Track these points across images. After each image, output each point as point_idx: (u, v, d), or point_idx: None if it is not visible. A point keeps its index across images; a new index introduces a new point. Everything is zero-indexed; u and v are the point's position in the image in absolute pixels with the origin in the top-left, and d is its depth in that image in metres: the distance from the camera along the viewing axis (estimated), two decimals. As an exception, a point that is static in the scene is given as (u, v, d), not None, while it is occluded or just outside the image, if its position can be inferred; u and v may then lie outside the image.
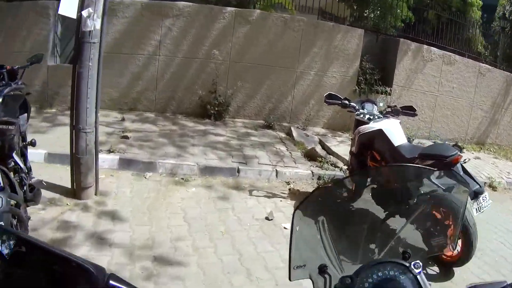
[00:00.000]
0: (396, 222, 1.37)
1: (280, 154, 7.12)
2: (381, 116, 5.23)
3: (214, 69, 8.52)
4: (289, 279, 1.23)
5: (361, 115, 5.28)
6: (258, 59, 8.80)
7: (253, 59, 8.79)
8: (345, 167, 6.42)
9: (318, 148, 7.61)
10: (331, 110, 9.02)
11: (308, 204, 1.24)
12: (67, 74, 8.30)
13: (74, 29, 9.24)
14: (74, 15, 4.73)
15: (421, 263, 1.05)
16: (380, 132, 4.89)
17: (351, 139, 5.68)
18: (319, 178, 6.48)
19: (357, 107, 5.40)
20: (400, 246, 1.25)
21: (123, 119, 7.97)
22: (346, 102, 5.40)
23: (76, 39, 4.85)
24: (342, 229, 1.35)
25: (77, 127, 4.89)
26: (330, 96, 5.46)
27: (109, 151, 6.33)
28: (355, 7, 10.99)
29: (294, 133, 8.22)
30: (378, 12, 10.63)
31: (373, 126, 5.01)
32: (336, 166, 6.89)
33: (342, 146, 7.92)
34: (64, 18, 8.75)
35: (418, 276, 1.02)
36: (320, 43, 9.00)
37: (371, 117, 5.18)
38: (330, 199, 1.40)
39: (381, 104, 5.66)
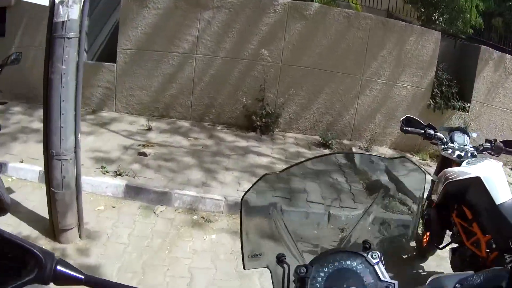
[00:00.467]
0: (355, 212, 1.30)
1: (336, 187, 5.51)
2: (476, 153, 3.74)
3: (262, 72, 7.09)
4: (244, 267, 1.17)
5: (450, 151, 3.79)
6: (316, 62, 7.28)
7: (310, 62, 7.27)
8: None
9: (384, 179, 5.93)
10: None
11: (256, 192, 1.17)
12: (93, 72, 7.28)
13: (105, 19, 8.34)
14: (45, 2, 3.39)
15: (379, 253, 0.99)
16: (477, 181, 3.22)
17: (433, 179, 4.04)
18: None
19: (444, 139, 3.86)
20: (360, 237, 1.17)
21: (149, 129, 6.67)
22: (431, 132, 3.81)
23: (47, 34, 3.49)
24: (298, 216, 1.33)
25: (49, 152, 3.55)
26: (408, 121, 3.90)
27: (116, 174, 5.02)
28: (422, 10, 9.31)
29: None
30: (447, 16, 8.82)
31: (467, 171, 3.35)
32: (406, 205, 5.20)
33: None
34: (92, 10, 7.70)
35: (375, 267, 0.98)
36: (390, 45, 7.35)
37: (463, 154, 3.72)
38: (282, 186, 1.30)
39: (474, 135, 4.15)
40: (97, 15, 7.68)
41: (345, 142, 7.44)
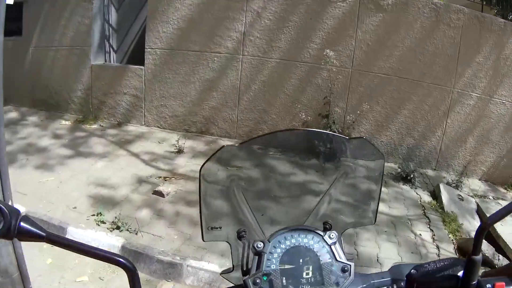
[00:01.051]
0: (317, 191, 1.25)
1: (417, 245, 4.01)
2: None
3: (327, 80, 5.53)
4: (202, 239, 1.11)
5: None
6: (396, 69, 5.61)
7: (388, 67, 5.61)
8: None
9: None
10: (495, 152, 5.82)
11: (216, 163, 1.13)
12: (117, 77, 6.09)
13: (135, 12, 7.10)
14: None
15: (336, 234, 1.01)
16: None
17: None
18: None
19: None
20: (322, 216, 1.14)
21: (179, 151, 5.31)
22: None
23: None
24: (260, 192, 1.27)
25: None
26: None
27: (114, 226, 3.70)
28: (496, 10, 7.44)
29: (444, 195, 4.93)
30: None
31: None
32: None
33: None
34: (120, 3, 6.48)
35: (332, 247, 0.99)
36: (487, 49, 5.54)
37: None
38: (243, 160, 1.24)
39: None
40: (126, 8, 6.42)
41: (429, 172, 5.75)
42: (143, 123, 6.17)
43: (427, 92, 5.61)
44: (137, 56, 6.16)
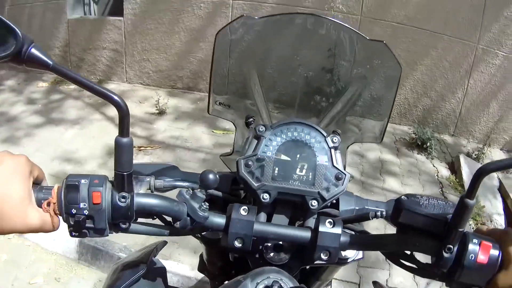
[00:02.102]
0: (332, 93, 1.24)
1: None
2: None
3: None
4: (208, 111, 1.16)
5: None
6: (413, 17, 4.79)
7: (403, 15, 4.81)
8: None
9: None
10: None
11: (233, 33, 1.12)
12: (96, 31, 5.40)
13: None
14: None
15: (339, 139, 0.95)
16: None
17: None
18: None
19: None
20: (331, 122, 1.14)
21: (161, 112, 4.71)
22: None
23: None
24: (276, 77, 1.25)
25: None
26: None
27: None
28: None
29: (464, 170, 4.27)
30: None
31: None
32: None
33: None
34: None
35: (332, 150, 0.94)
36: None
37: None
38: (262, 36, 1.20)
39: None
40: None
41: (447, 139, 5.06)
42: (125, 80, 5.50)
43: (448, 47, 4.82)
44: (121, 7, 5.41)
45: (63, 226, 0.78)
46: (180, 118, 4.64)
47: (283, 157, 0.93)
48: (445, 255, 0.77)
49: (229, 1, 4.96)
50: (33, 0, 5.70)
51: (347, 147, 1.11)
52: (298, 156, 0.93)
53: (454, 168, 4.43)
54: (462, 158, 4.41)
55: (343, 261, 0.99)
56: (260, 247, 0.92)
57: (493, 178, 4.38)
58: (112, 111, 4.68)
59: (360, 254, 1.00)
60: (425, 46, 4.84)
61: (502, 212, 3.98)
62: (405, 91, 5.03)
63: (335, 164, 0.93)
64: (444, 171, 4.35)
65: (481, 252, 0.75)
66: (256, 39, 1.19)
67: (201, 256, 1.31)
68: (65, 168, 3.69)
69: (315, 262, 0.90)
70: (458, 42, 4.80)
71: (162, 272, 1.03)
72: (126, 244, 2.92)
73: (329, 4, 4.45)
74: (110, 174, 0.78)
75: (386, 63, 1.14)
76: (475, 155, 4.64)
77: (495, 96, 4.98)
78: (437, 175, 4.26)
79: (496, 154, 4.95)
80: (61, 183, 0.76)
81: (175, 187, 0.94)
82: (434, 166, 4.40)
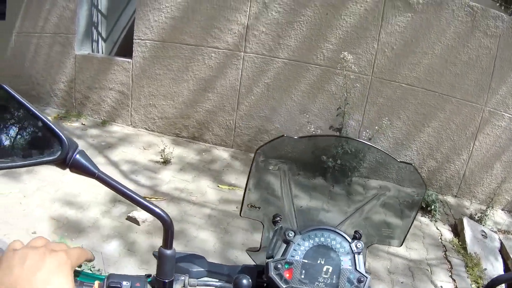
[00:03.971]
0: (356, 201, 1.31)
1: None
2: None
3: (341, 87, 4.73)
4: (240, 214, 1.18)
5: None
6: (422, 79, 4.82)
7: (414, 77, 4.82)
8: None
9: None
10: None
11: (271, 149, 1.19)
12: (103, 70, 5.33)
13: (127, 1, 6.29)
14: None
15: (363, 245, 1.02)
16: None
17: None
18: None
19: None
20: (354, 225, 1.17)
21: (165, 161, 4.61)
22: None
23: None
24: (304, 186, 1.30)
25: None
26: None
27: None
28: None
29: (467, 233, 4.29)
30: None
31: None
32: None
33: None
34: None
35: (356, 255, 1.01)
36: (525, 63, 4.79)
37: None
38: (297, 152, 1.26)
39: None
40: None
41: (450, 200, 5.06)
42: (130, 123, 5.43)
43: (456, 109, 4.85)
44: (128, 47, 5.38)
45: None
46: (185, 170, 4.56)
47: (310, 261, 1.00)
48: None
49: (241, 53, 4.96)
50: (41, 30, 5.67)
51: (367, 247, 1.15)
52: (324, 260, 1.00)
53: (457, 230, 4.44)
54: (465, 221, 4.45)
55: None
56: None
57: (495, 240, 4.41)
58: (116, 156, 4.62)
59: None
60: (433, 108, 4.86)
61: (502, 273, 3.97)
62: (411, 152, 5.02)
63: (357, 268, 1.00)
64: (447, 234, 4.34)
65: None
66: (292, 153, 1.25)
67: None
68: (67, 212, 3.58)
69: None
70: (466, 105, 4.83)
71: None
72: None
73: (342, 64, 4.43)
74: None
75: (413, 182, 1.20)
76: (477, 217, 4.67)
77: (499, 157, 5.02)
78: (440, 238, 4.26)
79: (498, 214, 4.98)
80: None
81: (206, 285, 0.98)
82: (438, 229, 4.40)
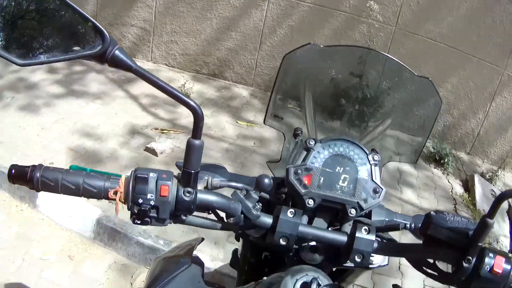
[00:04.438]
0: (375, 117, 1.38)
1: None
2: None
3: (365, 35, 4.75)
4: (264, 122, 1.28)
5: None
6: (445, 35, 4.79)
7: (437, 33, 4.79)
8: None
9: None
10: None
11: (297, 59, 1.26)
12: (125, 7, 5.27)
13: None
14: None
15: (380, 157, 1.06)
16: None
17: None
18: None
19: None
20: (371, 143, 1.25)
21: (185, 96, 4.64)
22: None
23: None
24: (327, 98, 1.39)
25: None
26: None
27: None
28: None
29: (477, 190, 4.36)
30: None
31: None
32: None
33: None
34: None
35: (372, 167, 1.04)
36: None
37: None
38: (323, 61, 1.35)
39: None
40: None
41: (463, 156, 5.11)
42: (150, 59, 5.46)
43: (476, 69, 4.84)
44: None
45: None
46: (204, 105, 4.62)
47: (328, 169, 1.03)
48: (465, 265, 0.87)
49: (266, -4, 4.94)
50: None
51: (384, 164, 1.19)
52: (342, 169, 1.03)
53: (468, 186, 4.50)
54: (476, 178, 4.49)
55: (370, 266, 1.08)
56: (297, 247, 1.01)
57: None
58: (136, 90, 4.68)
59: (385, 260, 1.10)
60: (453, 65, 4.86)
61: (508, 234, 4.05)
62: (429, 106, 5.03)
63: (374, 179, 1.03)
64: (458, 188, 4.41)
65: (495, 265, 0.86)
66: (317, 63, 1.32)
67: (234, 252, 1.40)
68: (85, 143, 3.65)
69: (345, 265, 1.03)
70: (486, 66, 4.81)
71: (201, 268, 1.13)
72: (146, 228, 2.93)
73: (367, 12, 4.40)
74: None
75: (429, 96, 1.26)
76: (488, 176, 4.72)
77: (515, 121, 5.01)
78: (451, 191, 4.32)
79: (508, 177, 5.02)
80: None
81: (229, 186, 1.01)
82: (449, 182, 4.46)
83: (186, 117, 4.29)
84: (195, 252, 1.20)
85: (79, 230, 3.01)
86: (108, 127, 3.94)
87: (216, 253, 2.83)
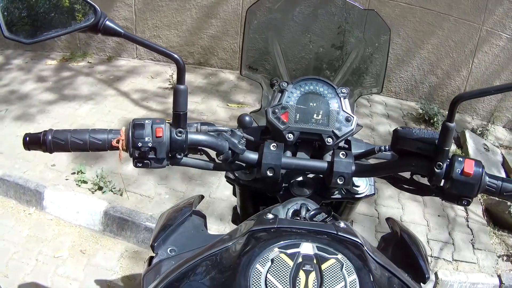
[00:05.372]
0: (340, 56, 1.45)
1: (443, 206, 3.57)
2: None
3: (341, 8, 4.39)
4: (240, 73, 1.39)
5: None
6: (421, -2, 4.89)
7: (413, -4, 4.90)
8: None
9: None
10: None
11: (261, 9, 1.34)
12: (105, 7, 5.20)
13: None
14: None
15: (347, 90, 1.16)
16: None
17: None
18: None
19: None
20: (342, 81, 1.34)
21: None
22: None
23: None
24: (294, 41, 1.46)
25: None
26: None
27: (95, 186, 3.25)
28: None
29: (470, 145, 4.45)
30: None
31: None
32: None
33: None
34: None
35: (342, 99, 1.15)
36: (522, -14, 4.83)
37: None
38: (284, 11, 1.43)
39: None
40: None
41: (453, 114, 5.20)
42: (135, 56, 5.53)
43: (454, 27, 4.92)
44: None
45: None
46: (194, 93, 4.71)
47: (302, 106, 1.13)
48: (437, 171, 0.94)
49: (242, -20, 5.00)
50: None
51: (355, 100, 1.30)
52: (314, 104, 1.14)
53: (460, 142, 4.60)
54: (467, 134, 4.57)
55: (358, 196, 1.17)
56: (287, 184, 1.11)
57: (497, 154, 4.55)
58: (126, 87, 4.77)
59: (372, 189, 1.18)
60: (431, 26, 4.93)
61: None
62: (412, 68, 5.13)
63: (344, 109, 1.13)
64: (451, 145, 4.48)
65: (466, 166, 0.92)
66: (278, 13, 1.39)
67: (234, 208, 1.52)
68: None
69: (333, 197, 1.14)
70: (464, 23, 4.89)
71: (203, 220, 1.20)
72: (152, 213, 3.05)
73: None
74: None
75: (378, 27, 1.36)
76: (479, 131, 4.81)
77: (499, 75, 5.11)
78: (445, 148, 4.40)
79: (499, 131, 5.12)
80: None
81: (216, 130, 1.06)
82: (441, 138, 4.54)
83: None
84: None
85: (88, 225, 3.12)
86: (103, 124, 4.02)
87: (222, 228, 2.96)
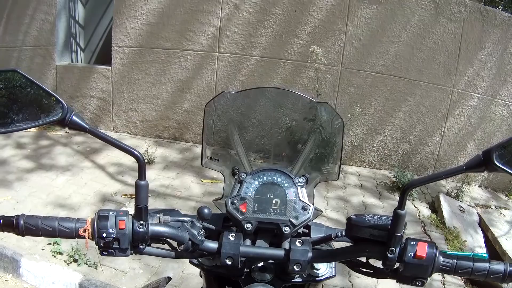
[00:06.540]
0: (298, 145, 1.50)
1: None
2: None
3: (313, 80, 4.94)
4: (202, 164, 1.40)
5: None
6: (391, 67, 5.03)
7: (382, 65, 5.04)
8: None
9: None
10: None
11: (216, 106, 1.39)
12: (84, 78, 5.49)
13: (103, 11, 6.43)
14: None
15: (304, 179, 1.19)
16: None
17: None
18: None
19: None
20: (300, 170, 1.35)
21: (150, 161, 4.75)
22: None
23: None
24: (253, 132, 1.52)
25: None
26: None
27: (70, 259, 3.20)
28: None
29: (444, 209, 4.45)
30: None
31: None
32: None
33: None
34: None
35: (299, 188, 1.17)
36: (490, 46, 4.99)
37: None
38: (240, 105, 1.48)
39: None
40: (93, 3, 5.83)
41: (425, 179, 5.24)
42: (112, 128, 5.58)
43: (425, 93, 5.07)
44: (107, 55, 5.53)
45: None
46: (168, 168, 4.71)
47: (260, 196, 1.16)
48: (389, 255, 0.96)
49: (215, 54, 5.14)
50: (22, 43, 5.81)
51: (314, 187, 1.32)
52: (272, 194, 1.16)
53: (435, 207, 4.60)
54: (442, 198, 4.59)
55: (318, 279, 1.18)
56: (248, 270, 1.12)
57: (473, 214, 4.58)
58: (102, 160, 4.77)
59: (333, 271, 1.19)
60: (403, 94, 5.07)
61: (483, 245, 4.15)
62: (385, 137, 5.21)
63: (301, 198, 1.15)
64: (425, 211, 4.49)
65: (418, 250, 0.94)
66: (235, 107, 1.43)
67: None
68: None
69: (294, 280, 1.15)
70: (435, 88, 5.05)
71: None
72: (125, 288, 2.96)
73: (312, 57, 4.63)
74: None
75: (333, 118, 1.39)
76: (454, 193, 4.84)
77: (472, 136, 5.23)
78: (418, 215, 4.40)
79: (475, 191, 5.16)
80: (93, 215, 1.00)
81: (177, 220, 1.08)
82: (416, 207, 4.55)
83: (152, 181, 4.36)
84: None
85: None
86: (79, 197, 4.01)
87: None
